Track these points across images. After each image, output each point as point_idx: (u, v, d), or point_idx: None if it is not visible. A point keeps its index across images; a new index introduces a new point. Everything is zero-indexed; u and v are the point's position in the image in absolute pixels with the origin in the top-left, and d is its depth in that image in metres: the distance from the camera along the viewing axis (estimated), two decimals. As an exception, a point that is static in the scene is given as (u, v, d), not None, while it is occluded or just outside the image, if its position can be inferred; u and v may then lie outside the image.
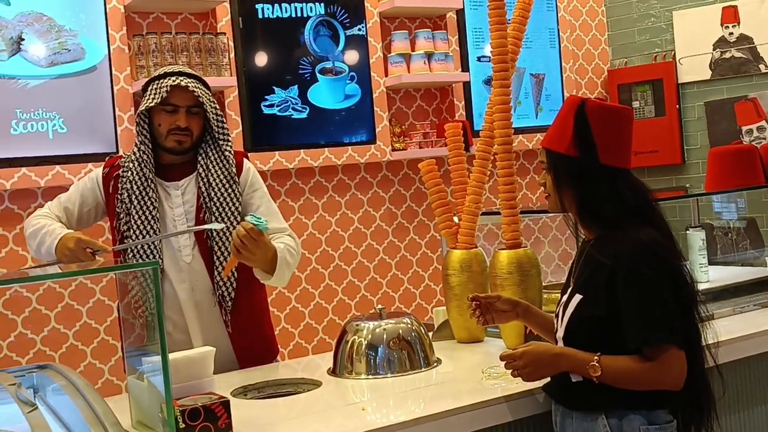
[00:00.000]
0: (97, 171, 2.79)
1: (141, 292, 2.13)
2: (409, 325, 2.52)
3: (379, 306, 2.60)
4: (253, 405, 2.29)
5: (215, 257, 2.68)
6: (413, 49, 4.64)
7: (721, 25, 5.25)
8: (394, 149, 4.60)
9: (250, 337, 2.76)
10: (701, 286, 2.84)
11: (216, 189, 2.70)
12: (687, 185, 5.24)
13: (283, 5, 4.35)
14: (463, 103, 4.85)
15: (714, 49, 5.28)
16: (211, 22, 4.18)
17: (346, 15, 4.52)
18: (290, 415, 2.16)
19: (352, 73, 4.52)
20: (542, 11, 5.18)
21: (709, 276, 3.17)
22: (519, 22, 2.82)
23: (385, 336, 2.48)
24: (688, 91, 5.39)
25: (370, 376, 2.44)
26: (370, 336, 2.48)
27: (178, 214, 2.70)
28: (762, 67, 5.13)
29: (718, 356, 2.11)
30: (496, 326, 2.71)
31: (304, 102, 4.39)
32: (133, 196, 2.66)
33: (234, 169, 2.74)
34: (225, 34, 4.10)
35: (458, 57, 4.85)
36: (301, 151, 4.32)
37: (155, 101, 2.64)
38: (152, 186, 2.68)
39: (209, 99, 2.72)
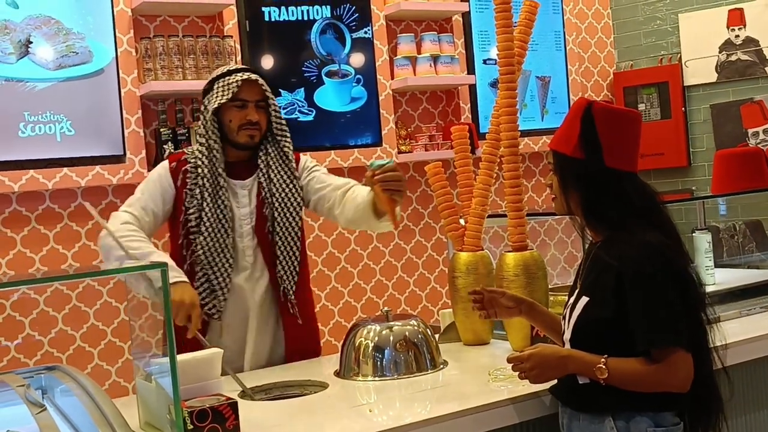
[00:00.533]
0: (162, 167, 2.78)
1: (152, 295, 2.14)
2: (416, 327, 2.53)
3: (386, 308, 2.61)
4: (260, 406, 2.30)
5: (278, 254, 2.71)
6: (419, 52, 4.65)
7: (727, 27, 5.25)
8: (400, 152, 4.61)
9: (303, 334, 2.80)
10: (707, 289, 2.84)
11: (277, 186, 2.74)
12: (693, 188, 5.24)
13: (290, 8, 4.36)
14: (468, 105, 4.86)
15: (720, 52, 5.28)
16: (217, 25, 4.20)
17: (353, 18, 4.53)
18: (297, 417, 2.17)
19: (358, 76, 4.53)
20: (548, 14, 5.18)
21: (715, 278, 3.17)
22: (525, 25, 2.83)
23: (391, 338, 2.48)
24: (693, 93, 5.39)
25: (377, 378, 2.44)
26: (376, 338, 2.49)
27: (243, 214, 2.73)
28: (768, 69, 5.13)
29: (726, 359, 2.11)
30: (503, 329, 2.72)
31: (311, 105, 4.40)
32: (206, 193, 2.67)
33: (294, 165, 2.79)
34: (232, 37, 4.12)
35: (464, 60, 4.86)
36: (308, 153, 4.31)
37: (226, 97, 2.67)
38: (224, 185, 2.70)
39: (272, 95, 2.77)
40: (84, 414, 1.93)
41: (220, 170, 2.70)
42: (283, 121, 2.80)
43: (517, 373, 2.09)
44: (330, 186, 2.83)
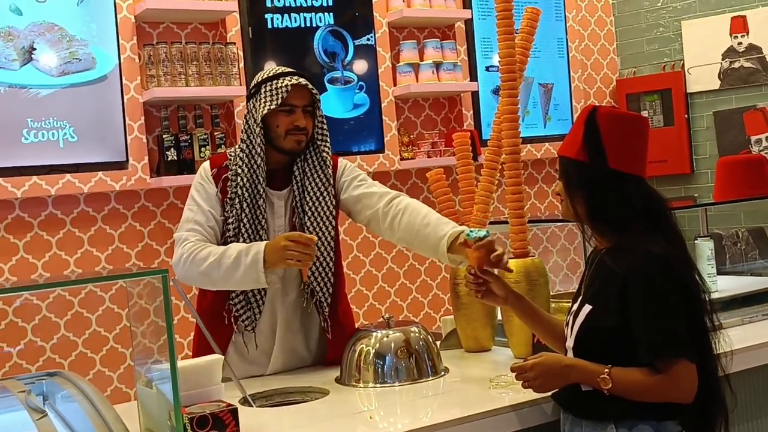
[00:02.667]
0: (204, 173, 2.69)
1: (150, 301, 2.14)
2: (417, 334, 2.53)
3: (387, 314, 2.61)
4: (261, 413, 2.30)
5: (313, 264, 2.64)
6: (422, 59, 4.66)
7: (730, 34, 5.25)
8: (402, 158, 4.61)
9: (336, 345, 2.70)
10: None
11: (310, 194, 2.66)
12: (696, 195, 5.24)
13: (293, 15, 4.37)
14: (471, 112, 4.86)
15: (723, 59, 5.28)
16: (220, 31, 4.21)
17: (355, 25, 4.54)
18: (298, 423, 2.17)
19: (360, 83, 4.54)
20: (551, 21, 5.19)
21: (717, 286, 3.17)
22: (527, 32, 2.83)
23: (392, 345, 2.48)
24: (696, 100, 5.39)
25: (378, 385, 2.44)
26: (377, 345, 2.49)
27: (278, 226, 2.67)
28: (771, 76, 5.13)
29: (729, 367, 2.11)
30: (504, 336, 2.72)
31: (313, 111, 4.41)
32: (245, 204, 2.61)
33: (330, 171, 2.70)
34: (234, 43, 4.13)
35: (467, 66, 4.87)
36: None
37: (276, 103, 2.60)
38: (262, 195, 2.63)
39: (319, 99, 2.71)
40: (85, 420, 1.93)
41: (260, 179, 2.62)
42: (325, 127, 2.73)
43: (521, 382, 2.09)
44: (371, 194, 2.73)
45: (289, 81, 2.62)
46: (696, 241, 3.17)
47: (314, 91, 2.68)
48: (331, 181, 2.71)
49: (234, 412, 1.93)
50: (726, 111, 5.27)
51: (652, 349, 1.94)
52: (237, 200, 2.61)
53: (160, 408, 1.96)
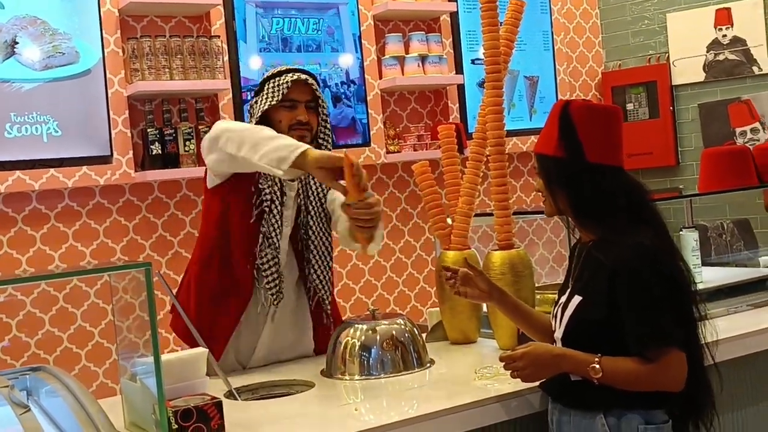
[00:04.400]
0: None
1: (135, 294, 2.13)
2: (403, 326, 2.52)
3: (373, 307, 2.61)
4: (246, 406, 2.29)
5: (312, 263, 2.70)
6: (407, 52, 4.65)
7: (715, 27, 5.27)
8: (388, 152, 4.61)
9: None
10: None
11: (315, 193, 2.71)
12: (681, 186, 5.26)
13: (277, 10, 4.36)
14: (457, 105, 4.86)
15: (708, 51, 5.30)
16: (205, 25, 4.19)
17: (340, 17, 4.52)
18: (283, 416, 2.16)
19: (346, 76, 4.52)
20: (536, 14, 5.19)
21: (702, 277, 3.18)
22: (511, 24, 2.83)
23: (378, 337, 2.48)
24: (681, 93, 5.41)
25: (364, 377, 2.44)
26: (363, 337, 2.48)
27: (286, 216, 2.67)
28: (755, 69, 5.15)
29: (715, 355, 2.12)
30: (490, 328, 2.72)
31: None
32: (269, 183, 2.62)
33: None
34: (219, 37, 4.11)
35: (452, 59, 4.86)
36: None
37: (277, 99, 2.61)
38: (279, 182, 2.64)
39: (322, 96, 2.72)
40: (69, 414, 1.92)
41: None
42: (329, 125, 2.74)
43: (509, 371, 2.09)
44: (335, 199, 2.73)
45: (291, 77, 2.64)
46: (681, 233, 3.18)
47: (315, 87, 2.68)
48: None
49: (218, 405, 1.93)
50: (711, 103, 5.29)
51: (641, 339, 1.95)
52: (270, 179, 2.61)
53: (145, 402, 1.96)
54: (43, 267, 3.79)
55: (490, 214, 2.77)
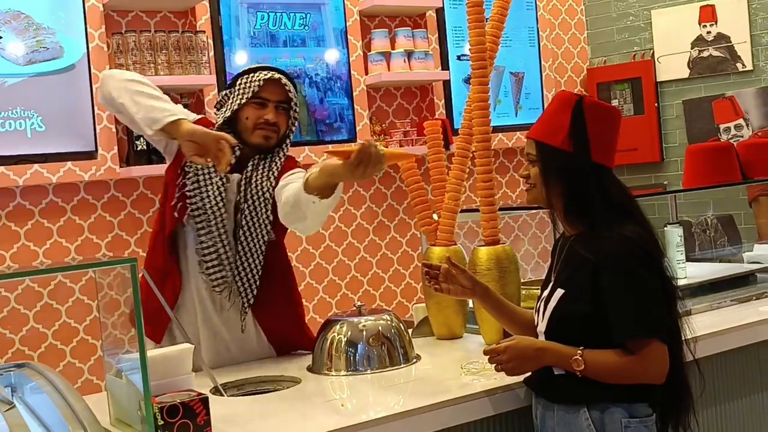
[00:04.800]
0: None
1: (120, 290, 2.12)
2: (389, 322, 2.53)
3: (359, 303, 2.61)
4: (232, 402, 2.29)
5: (237, 263, 2.60)
6: (393, 48, 4.65)
7: (699, 24, 5.29)
8: (374, 147, 4.60)
9: (281, 327, 2.72)
10: (679, 282, 2.87)
11: (254, 192, 2.59)
12: (665, 182, 5.28)
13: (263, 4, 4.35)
14: (443, 101, 4.87)
15: (692, 48, 5.32)
16: (190, 20, 4.17)
17: (326, 13, 4.52)
18: (269, 412, 2.16)
19: (332, 72, 4.52)
20: (522, 10, 5.20)
21: (686, 272, 3.20)
22: (497, 20, 2.83)
23: (364, 333, 2.48)
24: (666, 89, 5.43)
25: (350, 373, 2.44)
26: (349, 333, 2.49)
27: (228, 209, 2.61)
28: (739, 65, 5.18)
29: (696, 351, 2.13)
30: (476, 323, 2.73)
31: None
32: (200, 173, 2.58)
33: (277, 175, 2.62)
34: (204, 32, 4.09)
35: (438, 55, 4.87)
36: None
37: (247, 96, 2.58)
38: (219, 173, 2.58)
39: (295, 97, 2.66)
40: (53, 411, 1.92)
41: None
42: (294, 129, 2.68)
43: (493, 365, 2.10)
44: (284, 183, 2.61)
45: (264, 75, 2.60)
46: (665, 228, 3.20)
47: (289, 88, 2.63)
48: (274, 185, 2.61)
49: (205, 401, 1.92)
50: (695, 99, 5.32)
51: (624, 329, 1.97)
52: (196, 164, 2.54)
53: (130, 398, 1.95)
54: (27, 263, 3.77)
55: (476, 210, 2.78)
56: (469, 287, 2.38)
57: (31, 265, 3.77)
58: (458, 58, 4.94)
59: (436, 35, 4.89)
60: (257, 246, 2.62)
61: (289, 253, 4.34)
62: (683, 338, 2.08)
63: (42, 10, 3.76)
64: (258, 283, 2.63)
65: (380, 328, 2.50)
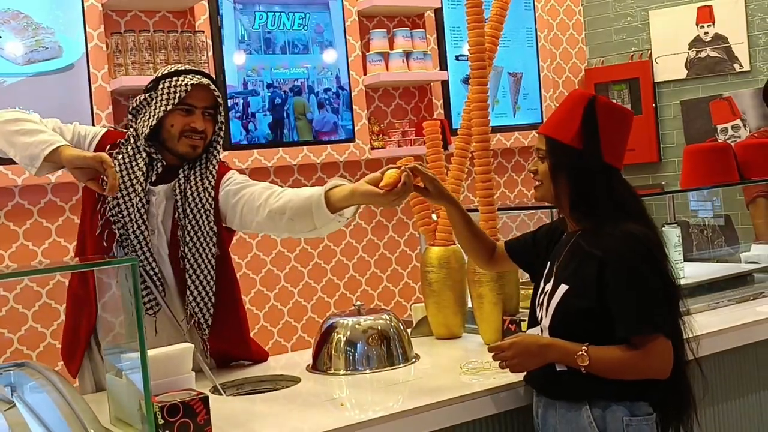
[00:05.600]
0: (98, 132, 2.54)
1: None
2: (388, 322, 2.53)
3: (358, 302, 2.61)
4: (232, 401, 2.29)
5: (189, 284, 2.47)
6: (392, 48, 4.65)
7: (697, 24, 5.30)
8: (373, 147, 4.61)
9: (227, 345, 2.59)
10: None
11: (192, 206, 2.47)
12: (663, 183, 5.29)
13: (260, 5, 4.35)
14: (441, 101, 4.87)
15: (689, 49, 5.33)
16: (189, 20, 4.17)
17: (324, 13, 4.52)
18: (269, 412, 2.17)
19: (330, 72, 4.52)
20: (520, 11, 5.20)
21: (684, 272, 3.20)
22: (496, 20, 2.84)
23: (364, 332, 2.49)
24: (664, 89, 5.44)
25: (349, 372, 2.45)
26: (348, 332, 2.49)
27: (153, 225, 2.48)
28: (737, 66, 5.18)
29: (698, 351, 2.14)
30: (474, 323, 2.73)
31: (283, 100, 4.39)
32: (122, 187, 2.42)
33: (213, 184, 2.51)
34: (203, 32, 4.09)
35: (436, 56, 4.87)
36: (280, 149, 4.32)
37: (173, 102, 2.42)
38: (140, 184, 2.45)
39: (222, 102, 2.54)
40: (53, 410, 1.92)
41: (143, 168, 2.45)
42: (222, 133, 2.55)
43: (496, 363, 2.10)
44: (247, 192, 2.51)
45: (191, 80, 2.45)
46: (663, 229, 3.20)
47: (217, 93, 2.51)
48: (212, 194, 2.50)
49: (205, 400, 1.93)
50: (693, 100, 5.33)
51: (628, 324, 1.97)
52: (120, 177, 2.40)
53: (131, 397, 1.96)
54: (26, 263, 3.77)
55: (475, 210, 2.78)
56: (435, 193, 2.35)
57: (30, 264, 3.77)
58: (457, 58, 4.94)
59: (435, 35, 4.89)
60: (205, 262, 2.48)
61: (287, 253, 4.39)
62: (684, 337, 2.09)
63: (41, 9, 3.77)
64: (213, 300, 2.49)
65: (379, 327, 2.51)
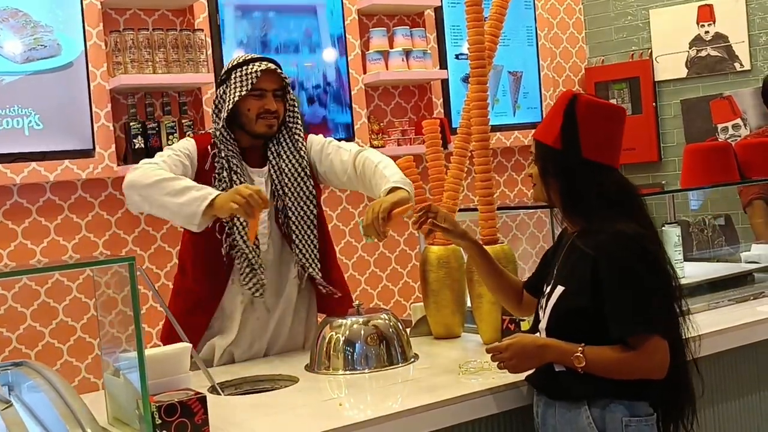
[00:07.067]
0: (191, 144, 2.72)
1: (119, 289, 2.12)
2: (387, 321, 2.53)
3: (357, 302, 2.61)
4: (229, 401, 2.29)
5: (298, 245, 2.71)
6: (391, 47, 4.65)
7: (697, 23, 5.29)
8: (372, 146, 4.60)
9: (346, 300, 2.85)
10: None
11: (289, 176, 2.72)
12: (663, 182, 5.28)
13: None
14: (441, 100, 4.87)
15: (690, 48, 5.32)
16: (188, 18, 4.17)
17: (325, 12, 4.51)
18: (267, 411, 2.16)
19: (318, 69, 4.51)
20: (520, 9, 5.20)
21: (684, 272, 3.20)
22: (496, 19, 2.83)
23: (362, 332, 2.48)
24: (664, 89, 5.43)
25: (348, 372, 2.44)
26: (347, 332, 2.48)
27: None
28: (737, 65, 5.18)
29: (698, 351, 2.13)
30: (474, 323, 2.72)
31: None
32: (234, 176, 2.65)
33: (304, 153, 2.75)
34: (202, 30, 4.09)
35: (436, 54, 4.86)
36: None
37: (246, 88, 2.65)
38: (245, 172, 2.69)
39: (289, 83, 2.76)
40: (51, 409, 1.92)
41: (238, 156, 2.69)
42: (297, 110, 2.79)
43: (495, 364, 2.10)
44: (338, 155, 2.78)
45: (259, 66, 2.67)
46: (663, 228, 3.20)
47: (284, 75, 2.73)
48: (306, 162, 2.75)
49: (202, 400, 1.92)
50: (693, 99, 5.32)
51: (623, 325, 1.97)
52: (225, 173, 2.65)
53: (128, 397, 1.95)
54: (24, 261, 3.76)
55: (475, 209, 2.77)
56: (451, 228, 2.38)
57: (29, 263, 3.77)
58: (456, 57, 4.93)
59: (435, 34, 4.88)
60: (307, 216, 2.73)
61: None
62: (684, 336, 2.08)
63: (40, 7, 3.76)
64: (318, 255, 2.75)
65: (379, 327, 2.50)
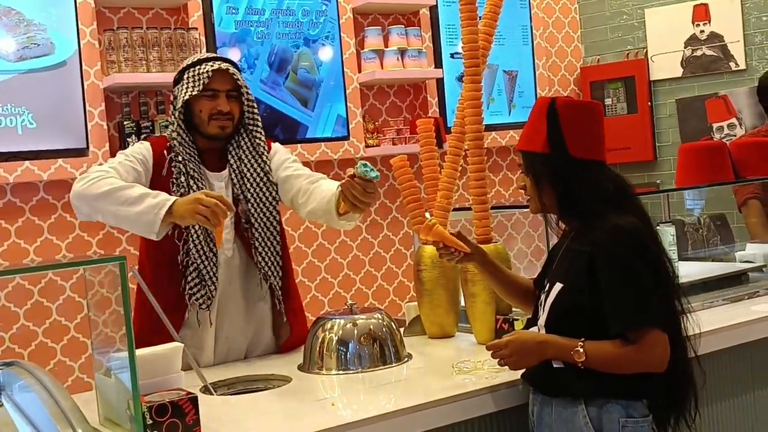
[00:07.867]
0: (145, 148, 2.66)
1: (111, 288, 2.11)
2: (380, 321, 2.52)
3: (350, 301, 2.60)
4: (221, 401, 2.28)
5: (260, 251, 2.67)
6: (386, 46, 4.64)
7: (693, 23, 5.29)
8: (367, 145, 4.60)
9: (299, 319, 2.82)
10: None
11: (251, 181, 2.68)
12: (658, 181, 5.28)
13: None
14: (436, 99, 4.86)
15: (685, 47, 5.32)
16: (182, 17, 4.16)
17: (319, 10, 4.51)
18: (259, 411, 2.15)
19: (325, 69, 4.51)
20: (515, 8, 5.19)
21: (679, 271, 3.19)
22: (490, 17, 2.82)
23: (355, 331, 2.47)
24: (659, 88, 5.43)
25: (341, 372, 2.43)
26: (340, 331, 2.48)
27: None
28: (732, 65, 5.18)
29: (697, 348, 2.13)
30: (468, 322, 2.72)
31: (277, 98, 4.38)
32: (191, 181, 2.59)
33: (266, 157, 2.72)
34: (197, 29, 4.08)
35: (431, 53, 4.86)
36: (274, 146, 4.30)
37: (197, 89, 2.60)
38: (203, 176, 2.64)
39: (245, 84, 2.70)
40: (42, 410, 1.90)
41: (195, 160, 2.63)
42: (256, 112, 2.73)
43: (494, 360, 2.10)
44: (297, 175, 2.74)
45: (211, 66, 2.63)
46: (658, 227, 3.19)
47: (236, 76, 2.67)
48: (268, 167, 2.71)
49: (194, 400, 1.91)
50: (688, 98, 5.32)
51: (622, 319, 1.97)
52: (183, 178, 2.60)
53: (119, 397, 1.94)
54: (17, 260, 3.75)
55: (469, 209, 2.77)
56: (472, 251, 2.38)
57: (22, 262, 3.75)
58: (451, 56, 4.93)
59: (430, 33, 4.88)
60: (270, 225, 2.69)
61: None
62: (683, 332, 2.08)
63: (33, 6, 3.74)
64: (281, 263, 2.71)
65: (372, 326, 2.49)
